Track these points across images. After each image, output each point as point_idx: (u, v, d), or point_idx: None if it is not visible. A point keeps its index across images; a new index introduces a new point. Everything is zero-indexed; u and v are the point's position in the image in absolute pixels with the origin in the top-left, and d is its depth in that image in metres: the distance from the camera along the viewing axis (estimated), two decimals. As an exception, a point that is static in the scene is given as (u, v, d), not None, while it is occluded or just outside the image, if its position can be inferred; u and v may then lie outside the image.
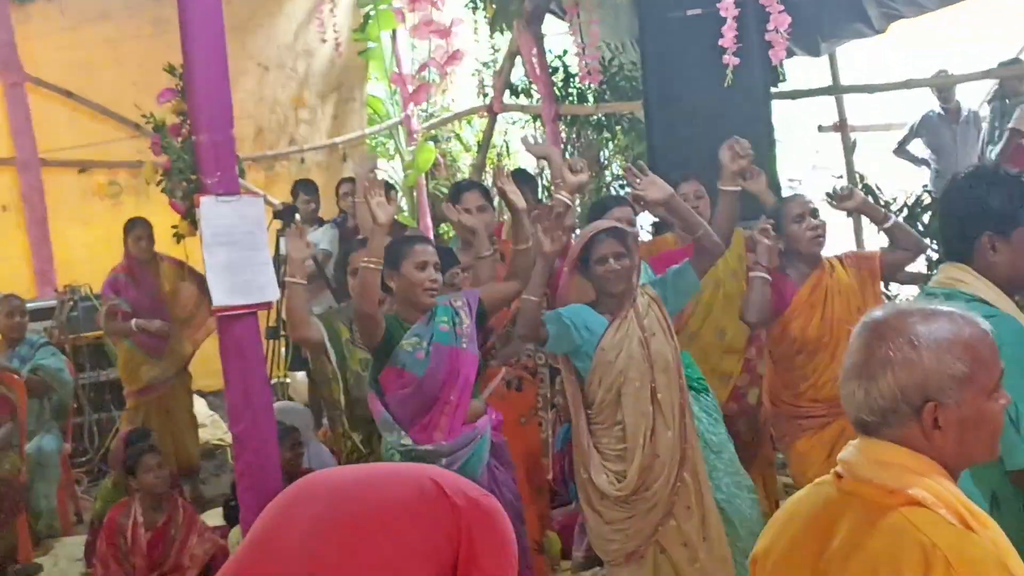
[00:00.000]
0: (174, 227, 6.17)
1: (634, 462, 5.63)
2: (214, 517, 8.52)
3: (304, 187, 10.87)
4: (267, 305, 6.00)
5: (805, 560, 2.55)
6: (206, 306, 9.28)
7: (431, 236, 12.05)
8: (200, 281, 9.16)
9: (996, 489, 3.43)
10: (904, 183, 12.11)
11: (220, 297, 5.76)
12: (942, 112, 11.86)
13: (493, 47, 12.24)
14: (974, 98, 12.74)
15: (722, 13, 7.28)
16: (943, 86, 11.52)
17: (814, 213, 6.26)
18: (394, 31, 13.64)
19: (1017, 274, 3.72)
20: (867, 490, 2.49)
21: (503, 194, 5.99)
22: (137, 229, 9.62)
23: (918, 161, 12.50)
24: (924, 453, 2.47)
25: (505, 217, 6.97)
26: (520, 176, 7.74)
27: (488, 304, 5.97)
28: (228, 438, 10.84)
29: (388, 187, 6.53)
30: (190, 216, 5.96)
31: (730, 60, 7.17)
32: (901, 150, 12.40)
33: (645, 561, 5.72)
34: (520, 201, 5.97)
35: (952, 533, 2.36)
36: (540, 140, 8.26)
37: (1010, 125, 10.61)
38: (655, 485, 5.62)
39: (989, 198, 3.70)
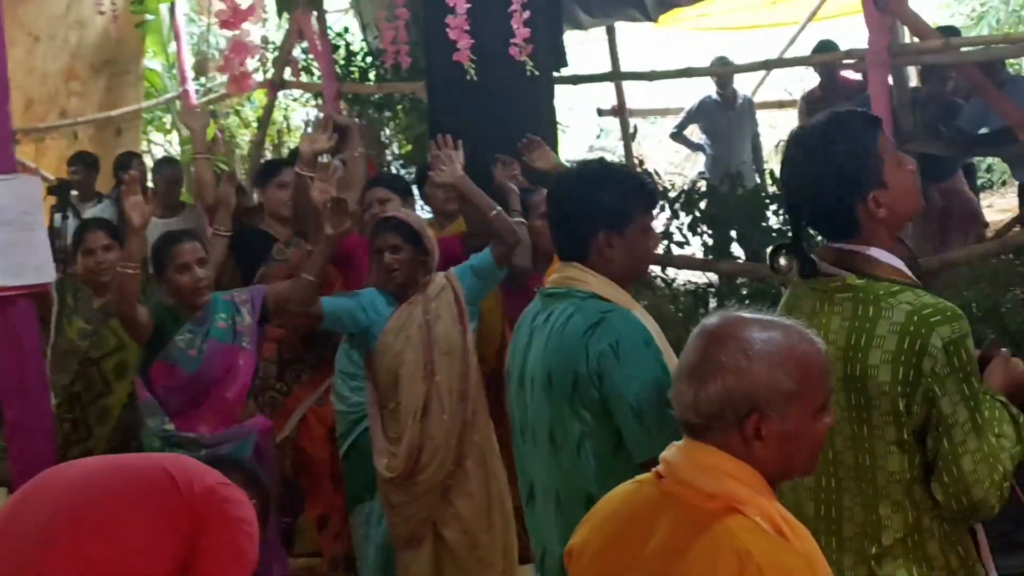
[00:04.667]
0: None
1: (403, 443, 5.66)
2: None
3: (81, 159, 10.62)
4: (43, 287, 5.85)
5: (621, 558, 2.57)
6: None
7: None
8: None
9: (593, 493, 3.44)
10: (680, 167, 12.42)
11: (-6, 278, 5.61)
12: (718, 98, 12.12)
13: (279, 26, 12.12)
14: (749, 86, 13.08)
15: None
16: (721, 75, 11.78)
17: None
18: (172, 4, 13.41)
19: (631, 268, 3.75)
20: (687, 493, 2.51)
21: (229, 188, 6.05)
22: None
23: (694, 146, 12.78)
24: (745, 461, 2.50)
25: None
26: None
27: (272, 303, 5.91)
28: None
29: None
30: (-36, 194, 5.79)
31: (464, 54, 7.15)
32: (678, 135, 12.64)
33: (424, 547, 5.73)
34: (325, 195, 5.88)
35: (766, 541, 2.40)
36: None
37: None
38: (429, 468, 5.63)
39: (601, 196, 3.70)
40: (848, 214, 3.22)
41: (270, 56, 12.13)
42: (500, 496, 5.73)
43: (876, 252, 3.22)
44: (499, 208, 5.84)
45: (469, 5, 7.00)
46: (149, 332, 5.64)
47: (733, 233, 8.49)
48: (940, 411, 3.03)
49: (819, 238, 3.48)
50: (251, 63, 7.97)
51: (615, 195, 3.70)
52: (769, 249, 3.41)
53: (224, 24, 7.84)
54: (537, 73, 7.16)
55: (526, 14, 6.92)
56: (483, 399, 5.74)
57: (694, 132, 12.65)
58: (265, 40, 12.19)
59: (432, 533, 5.75)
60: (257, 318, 5.86)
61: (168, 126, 15.30)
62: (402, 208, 6.29)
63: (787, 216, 3.44)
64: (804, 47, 12.06)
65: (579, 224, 3.72)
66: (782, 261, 3.34)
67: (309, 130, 6.78)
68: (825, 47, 9.98)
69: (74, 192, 9.36)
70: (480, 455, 5.72)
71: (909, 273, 3.25)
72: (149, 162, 13.32)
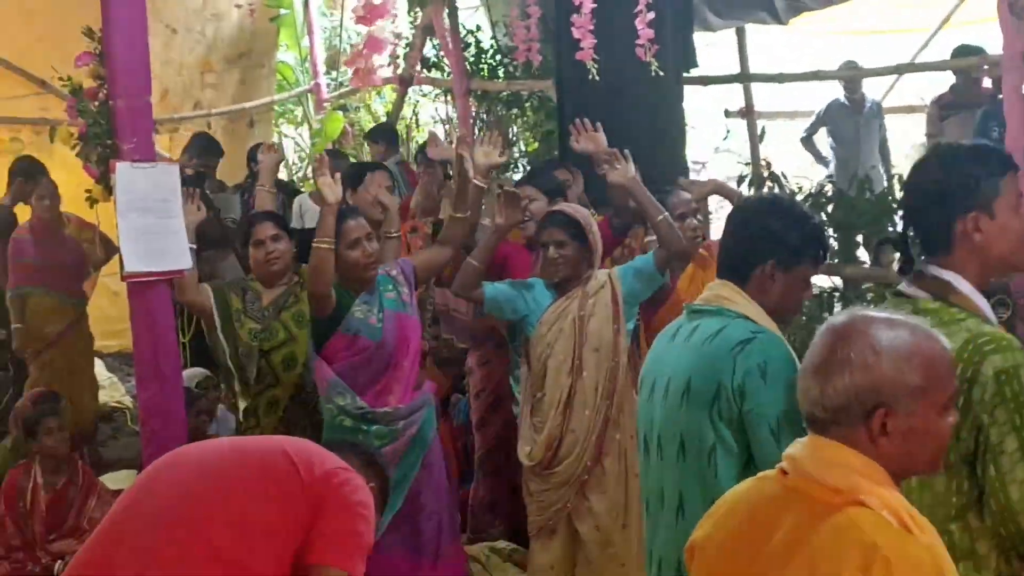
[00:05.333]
0: (88, 191, 6.15)
1: (543, 433, 5.74)
2: (113, 481, 8.47)
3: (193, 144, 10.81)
4: (179, 273, 5.98)
5: (744, 553, 2.61)
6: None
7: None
8: (107, 246, 9.09)
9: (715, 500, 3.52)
10: (807, 170, 12.30)
11: (132, 263, 5.75)
12: (846, 102, 12.02)
13: (412, 22, 12.22)
14: (878, 90, 12.93)
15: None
16: (851, 78, 11.68)
17: (695, 212, 6.39)
18: (307, -1, 13.62)
19: (783, 306, 3.79)
20: (812, 488, 2.55)
21: (460, 160, 6.09)
22: (39, 189, 9.52)
23: (821, 158, 12.56)
24: (869, 456, 2.53)
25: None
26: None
27: (420, 272, 6.11)
28: (127, 400, 10.78)
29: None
30: (104, 181, 5.94)
31: (587, 53, 7.18)
32: (808, 141, 12.51)
33: (557, 537, 5.82)
34: (472, 171, 6.06)
35: (893, 535, 2.43)
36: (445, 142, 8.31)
37: None
38: (566, 460, 5.70)
39: (785, 230, 3.75)
40: (945, 228, 3.28)
41: (401, 52, 12.25)
42: (638, 498, 5.75)
43: (958, 281, 3.27)
44: (666, 214, 5.88)
45: (595, 5, 7.05)
46: (332, 308, 5.77)
47: (859, 238, 8.44)
48: (988, 439, 3.04)
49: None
50: (378, 59, 8.08)
51: (796, 235, 3.77)
52: (876, 241, 3.50)
53: (359, 20, 7.95)
54: (662, 73, 7.17)
55: (651, 15, 6.94)
56: (631, 398, 5.69)
57: (823, 137, 12.53)
58: (397, 36, 12.32)
59: (568, 526, 5.83)
60: (412, 287, 6.03)
61: (299, 119, 15.47)
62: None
63: (901, 215, 3.49)
64: (937, 52, 11.90)
65: (753, 246, 3.79)
66: (885, 254, 3.42)
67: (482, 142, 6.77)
68: (965, 51, 9.82)
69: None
70: (621, 454, 5.76)
71: (986, 312, 3.27)
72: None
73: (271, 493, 3.65)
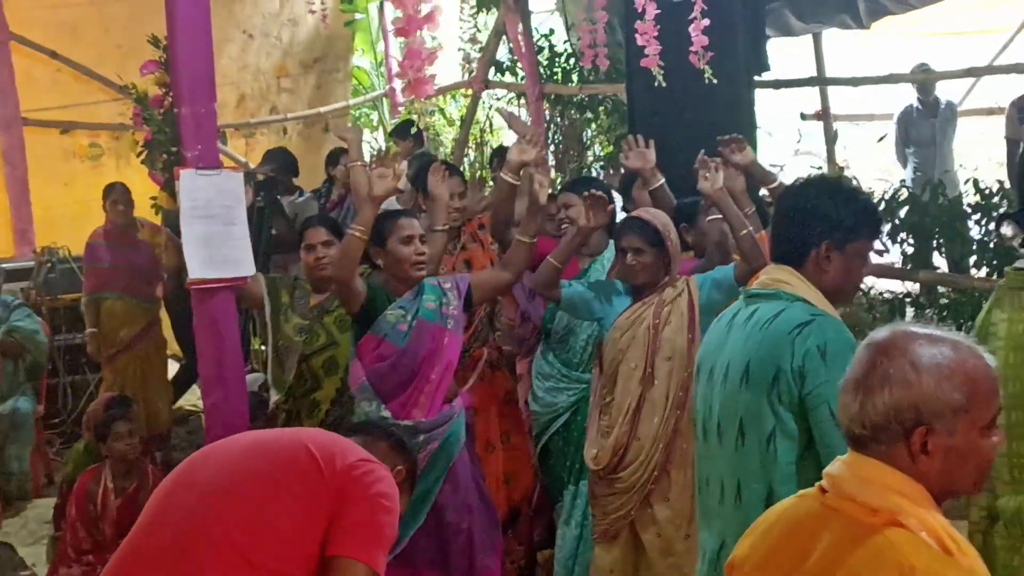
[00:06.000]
0: (153, 198, 6.21)
1: (610, 438, 5.70)
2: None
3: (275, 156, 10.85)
4: (243, 280, 6.01)
5: (782, 571, 2.58)
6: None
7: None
8: (178, 248, 9.17)
9: (774, 491, 3.53)
10: (888, 171, 12.17)
11: (196, 270, 5.78)
12: (920, 106, 11.87)
13: (478, 26, 12.22)
14: (957, 92, 12.76)
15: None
16: (925, 82, 11.54)
17: None
18: (381, 3, 13.65)
19: (842, 286, 3.77)
20: (850, 507, 2.51)
21: (529, 181, 6.00)
22: (114, 194, 9.62)
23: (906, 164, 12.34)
24: (910, 475, 2.49)
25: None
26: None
27: (476, 292, 6.00)
28: (201, 404, 10.85)
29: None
30: (169, 188, 5.99)
31: (652, 60, 7.14)
32: (900, 154, 12.24)
33: (618, 543, 5.78)
34: (544, 196, 5.96)
35: (931, 557, 2.39)
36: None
37: None
38: (631, 467, 5.66)
39: (838, 209, 3.72)
40: None
41: (474, 56, 12.26)
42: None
43: None
44: (750, 227, 5.81)
45: (659, 11, 7.00)
46: (361, 303, 5.71)
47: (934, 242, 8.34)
48: None
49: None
50: (430, 68, 8.03)
51: (848, 212, 3.74)
52: (997, 214, 3.56)
53: (398, 32, 7.93)
54: (715, 81, 7.10)
55: (705, 21, 6.89)
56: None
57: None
58: (474, 40, 12.34)
59: (631, 532, 5.79)
60: (462, 303, 5.94)
61: (375, 123, 15.54)
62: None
63: (1019, 191, 3.50)
64: (1017, 54, 11.75)
65: (805, 229, 3.76)
66: (1007, 229, 3.43)
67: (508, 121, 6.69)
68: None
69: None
70: (688, 464, 5.68)
71: None
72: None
73: (293, 492, 3.64)
